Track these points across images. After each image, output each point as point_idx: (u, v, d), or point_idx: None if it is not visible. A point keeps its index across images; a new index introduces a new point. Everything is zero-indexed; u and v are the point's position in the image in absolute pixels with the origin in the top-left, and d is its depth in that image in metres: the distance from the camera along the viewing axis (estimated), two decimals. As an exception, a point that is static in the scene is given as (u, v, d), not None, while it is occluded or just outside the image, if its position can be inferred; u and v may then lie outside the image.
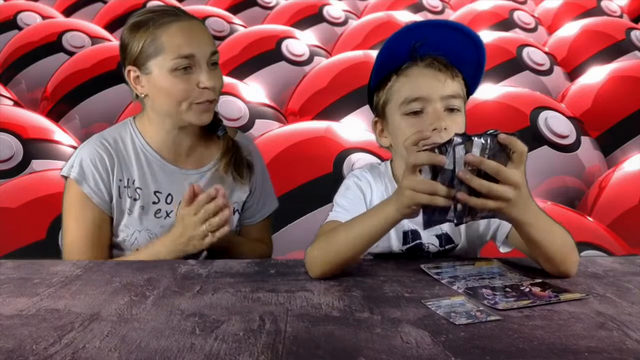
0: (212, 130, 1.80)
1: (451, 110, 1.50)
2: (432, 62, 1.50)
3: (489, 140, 1.23)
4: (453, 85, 1.50)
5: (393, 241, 1.56)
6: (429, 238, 1.56)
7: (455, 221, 1.28)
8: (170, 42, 1.67)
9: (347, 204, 1.56)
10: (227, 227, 1.65)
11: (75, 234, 1.73)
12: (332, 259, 1.40)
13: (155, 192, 1.75)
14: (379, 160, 1.62)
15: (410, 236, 1.56)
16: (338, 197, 1.60)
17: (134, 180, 1.74)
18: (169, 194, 1.76)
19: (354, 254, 1.41)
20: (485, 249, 1.64)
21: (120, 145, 1.76)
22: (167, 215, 1.75)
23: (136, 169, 1.75)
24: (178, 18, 1.70)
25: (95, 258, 1.69)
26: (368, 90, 1.60)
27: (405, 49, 1.52)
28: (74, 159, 1.75)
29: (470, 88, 1.57)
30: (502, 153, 1.24)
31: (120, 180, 1.74)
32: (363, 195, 1.58)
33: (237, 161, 1.80)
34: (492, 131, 1.24)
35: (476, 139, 1.23)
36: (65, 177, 1.75)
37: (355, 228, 1.40)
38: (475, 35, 1.54)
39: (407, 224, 1.55)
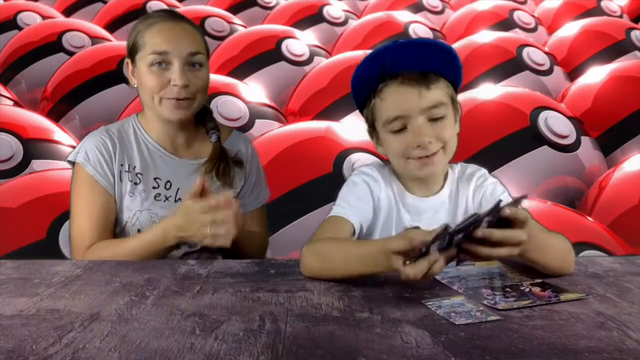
0: (204, 127, 1.89)
1: (435, 119, 1.50)
2: (403, 80, 1.50)
3: (493, 217, 1.23)
4: (431, 95, 1.50)
5: None
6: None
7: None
8: (151, 40, 1.79)
9: (353, 199, 1.55)
10: (229, 230, 1.63)
11: (83, 217, 1.79)
12: (327, 275, 1.39)
13: (155, 178, 1.83)
14: (379, 160, 1.62)
15: None
16: (344, 193, 1.58)
17: (134, 167, 1.83)
18: (168, 181, 1.84)
19: (348, 278, 1.39)
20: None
21: (123, 135, 1.86)
22: (166, 198, 1.83)
23: (137, 156, 1.83)
24: (163, 19, 1.83)
25: (102, 240, 1.76)
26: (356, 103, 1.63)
27: (377, 71, 1.53)
28: (80, 146, 1.85)
29: (455, 86, 1.57)
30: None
31: (122, 165, 1.82)
32: (371, 192, 1.57)
33: (222, 168, 1.85)
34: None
35: (487, 218, 1.23)
36: (72, 164, 1.84)
37: (351, 268, 1.36)
38: (442, 44, 1.57)
39: (410, 222, 1.56)
